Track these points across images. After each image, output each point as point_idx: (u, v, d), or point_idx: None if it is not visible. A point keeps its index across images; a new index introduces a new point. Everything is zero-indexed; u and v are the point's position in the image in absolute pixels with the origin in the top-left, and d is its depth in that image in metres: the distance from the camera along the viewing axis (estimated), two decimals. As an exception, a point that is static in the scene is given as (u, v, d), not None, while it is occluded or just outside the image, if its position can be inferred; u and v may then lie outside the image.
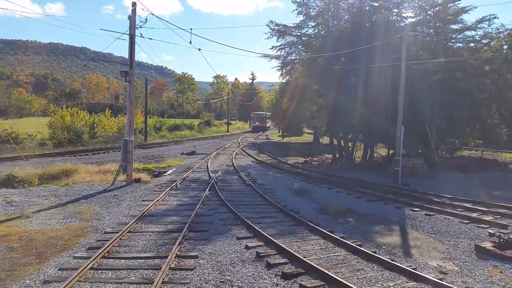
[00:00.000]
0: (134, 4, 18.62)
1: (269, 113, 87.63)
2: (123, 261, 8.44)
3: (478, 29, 28.75)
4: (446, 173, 23.27)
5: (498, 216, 12.83)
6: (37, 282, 7.31)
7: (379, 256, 8.71)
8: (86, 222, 11.66)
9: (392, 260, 8.55)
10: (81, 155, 31.27)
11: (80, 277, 7.39)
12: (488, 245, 9.58)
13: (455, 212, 13.34)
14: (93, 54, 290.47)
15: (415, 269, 8.13)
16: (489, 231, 10.40)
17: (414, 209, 13.99)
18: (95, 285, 7.19)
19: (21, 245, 9.46)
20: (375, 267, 8.24)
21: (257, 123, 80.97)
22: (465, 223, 12.07)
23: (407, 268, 7.93)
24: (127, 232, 10.44)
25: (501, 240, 9.52)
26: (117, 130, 48.38)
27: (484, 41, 29.58)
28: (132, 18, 18.54)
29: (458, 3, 27.98)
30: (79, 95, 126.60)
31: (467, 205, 14.38)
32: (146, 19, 18.91)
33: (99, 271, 7.82)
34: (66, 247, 9.32)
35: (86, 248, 9.22)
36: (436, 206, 14.30)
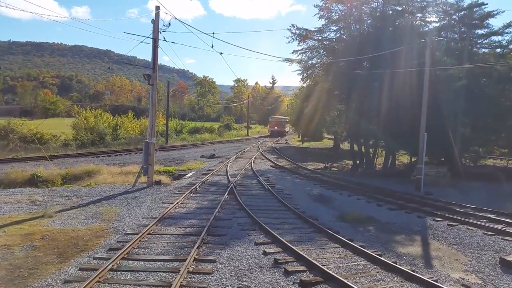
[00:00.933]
0: (157, 8, 18.89)
1: (288, 118, 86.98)
2: (142, 263, 8.52)
3: (506, 34, 27.96)
4: (470, 182, 22.67)
5: (525, 228, 12.41)
6: (58, 281, 7.45)
7: (399, 266, 8.55)
8: (107, 223, 11.84)
9: (413, 271, 8.38)
10: (103, 156, 31.83)
11: (99, 278, 7.49)
12: (513, 258, 9.28)
13: (479, 223, 12.97)
14: (117, 57, 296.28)
15: (436, 280, 7.94)
16: (515, 243, 10.09)
17: (437, 219, 13.67)
18: (114, 286, 7.28)
19: (43, 244, 9.66)
20: (395, 277, 8.09)
21: (276, 127, 78.29)
22: (489, 235, 11.72)
23: (428, 279, 7.76)
24: (147, 234, 10.55)
25: (528, 253, 9.21)
26: (139, 132, 49.10)
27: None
28: (155, 22, 18.79)
29: (485, 7, 27.35)
30: (102, 97, 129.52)
31: (492, 216, 13.97)
32: (169, 23, 19.20)
33: (119, 273, 7.92)
34: (87, 248, 9.48)
35: (107, 249, 9.35)
36: (459, 216, 13.94)
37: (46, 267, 8.22)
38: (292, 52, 32.46)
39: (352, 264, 8.86)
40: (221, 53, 23.80)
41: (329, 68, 31.09)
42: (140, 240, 9.96)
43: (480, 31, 28.64)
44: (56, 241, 9.93)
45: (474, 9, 27.44)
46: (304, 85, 40.52)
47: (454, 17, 28.68)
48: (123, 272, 7.94)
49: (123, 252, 8.82)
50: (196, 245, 9.44)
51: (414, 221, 13.48)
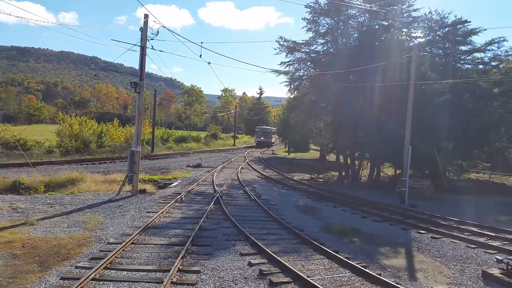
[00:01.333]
0: (146, 16, 18.88)
1: (274, 128, 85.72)
2: (125, 273, 8.38)
3: (487, 51, 28.65)
4: (453, 195, 23.03)
5: (506, 242, 12.60)
6: (38, 291, 7.27)
7: (384, 278, 8.58)
8: (90, 232, 11.64)
9: (397, 283, 8.41)
10: (87, 164, 31.40)
11: (81, 287, 7.33)
12: (495, 271, 9.39)
13: (462, 236, 13.14)
14: (104, 64, 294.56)
15: (420, 293, 7.99)
16: (497, 257, 10.19)
17: (421, 231, 13.82)
18: (96, 297, 7.13)
19: (24, 253, 9.44)
20: (380, 289, 8.11)
21: (262, 138, 75.84)
22: (472, 248, 11.88)
23: (412, 292, 7.79)
24: (131, 244, 10.40)
25: (509, 267, 9.32)
26: (124, 140, 48.59)
27: (493, 63, 29.51)
28: (143, 30, 18.76)
29: (468, 25, 28.05)
30: (88, 104, 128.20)
31: (474, 229, 14.17)
32: (158, 32, 19.14)
33: (101, 282, 7.77)
34: (69, 256, 9.29)
35: (89, 258, 9.18)
36: (443, 229, 14.11)
37: (26, 276, 8.02)
38: (280, 64, 32.68)
39: (337, 275, 8.86)
40: (209, 62, 23.84)
41: (316, 80, 31.36)
42: (123, 250, 9.81)
43: (463, 48, 29.41)
44: (38, 250, 9.71)
45: (458, 26, 28.11)
46: (291, 96, 40.73)
47: (438, 33, 29.33)
48: (105, 282, 7.80)
49: (106, 261, 8.67)
50: (181, 255, 9.33)
51: (399, 233, 13.58)
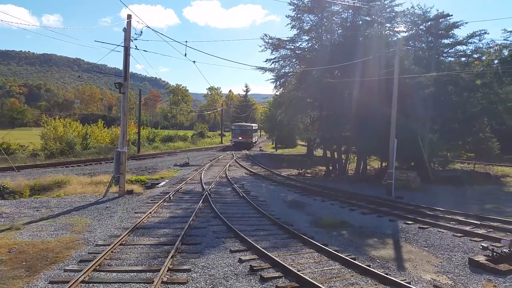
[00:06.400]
0: (129, 17, 18.71)
1: (255, 125, 79.31)
2: (114, 274, 8.32)
3: (469, 44, 29.19)
4: (438, 186, 23.37)
5: (491, 230, 12.84)
6: (26, 296, 7.18)
7: (373, 269, 8.67)
8: (77, 234, 11.51)
9: (386, 273, 8.51)
10: (73, 166, 31.04)
11: (70, 290, 7.26)
12: (481, 258, 9.57)
13: (448, 225, 13.34)
14: (87, 65, 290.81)
15: (409, 282, 8.11)
16: (483, 244, 10.40)
17: (408, 222, 13.99)
18: (86, 299, 7.06)
19: (10, 258, 9.29)
20: (369, 280, 8.20)
21: (240, 138, 61.95)
22: (458, 237, 12.07)
23: (401, 282, 7.89)
24: (119, 245, 10.30)
25: (495, 253, 9.52)
26: (109, 141, 48.17)
27: (475, 56, 30.02)
28: (127, 30, 18.57)
29: (450, 19, 28.47)
30: (72, 106, 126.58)
31: (460, 218, 14.41)
32: (141, 32, 18.95)
33: (91, 285, 7.69)
34: (57, 260, 9.17)
35: (78, 261, 9.07)
36: (429, 219, 14.31)
37: (13, 281, 7.89)
38: (265, 61, 32.70)
39: (327, 268, 8.93)
40: (194, 61, 23.70)
41: (301, 76, 31.47)
42: (112, 251, 9.73)
43: (446, 41, 29.87)
44: (24, 254, 9.57)
45: (440, 20, 28.55)
46: (278, 93, 40.82)
47: (421, 27, 29.71)
48: (95, 284, 7.73)
49: (95, 263, 8.59)
50: (170, 254, 9.29)
51: (386, 225, 13.73)
